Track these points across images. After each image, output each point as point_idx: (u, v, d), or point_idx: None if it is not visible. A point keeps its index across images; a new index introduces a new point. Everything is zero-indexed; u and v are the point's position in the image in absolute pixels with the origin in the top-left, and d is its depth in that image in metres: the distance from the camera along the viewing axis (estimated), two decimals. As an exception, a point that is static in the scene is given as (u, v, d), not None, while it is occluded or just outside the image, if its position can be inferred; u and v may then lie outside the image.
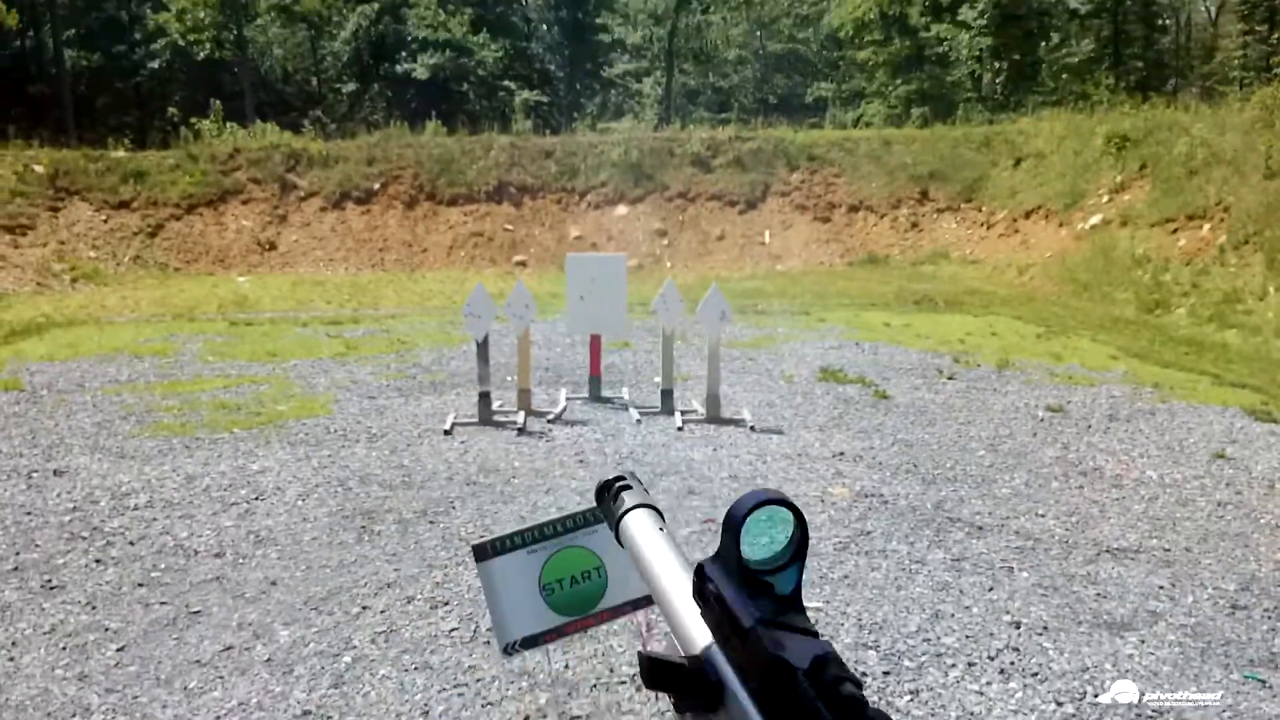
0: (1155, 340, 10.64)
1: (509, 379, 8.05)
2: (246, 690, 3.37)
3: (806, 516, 0.65)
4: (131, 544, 4.72)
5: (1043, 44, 31.98)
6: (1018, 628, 3.86)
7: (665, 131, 23.44)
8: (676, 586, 0.73)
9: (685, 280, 14.78)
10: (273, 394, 8.00)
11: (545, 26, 41.59)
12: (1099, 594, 4.19)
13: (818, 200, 20.30)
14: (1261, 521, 5.11)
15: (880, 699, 3.32)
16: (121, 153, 19.99)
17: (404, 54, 34.30)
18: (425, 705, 3.27)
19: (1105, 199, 16.21)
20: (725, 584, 0.62)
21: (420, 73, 33.20)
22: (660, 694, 0.64)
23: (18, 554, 4.60)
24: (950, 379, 8.61)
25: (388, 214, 19.69)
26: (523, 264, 18.83)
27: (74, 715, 3.23)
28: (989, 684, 3.43)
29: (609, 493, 0.90)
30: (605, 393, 7.91)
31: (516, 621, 0.97)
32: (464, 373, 8.66)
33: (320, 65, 37.49)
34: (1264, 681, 3.46)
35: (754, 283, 16.29)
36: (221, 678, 3.46)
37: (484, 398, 7.05)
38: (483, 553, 0.97)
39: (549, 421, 7.12)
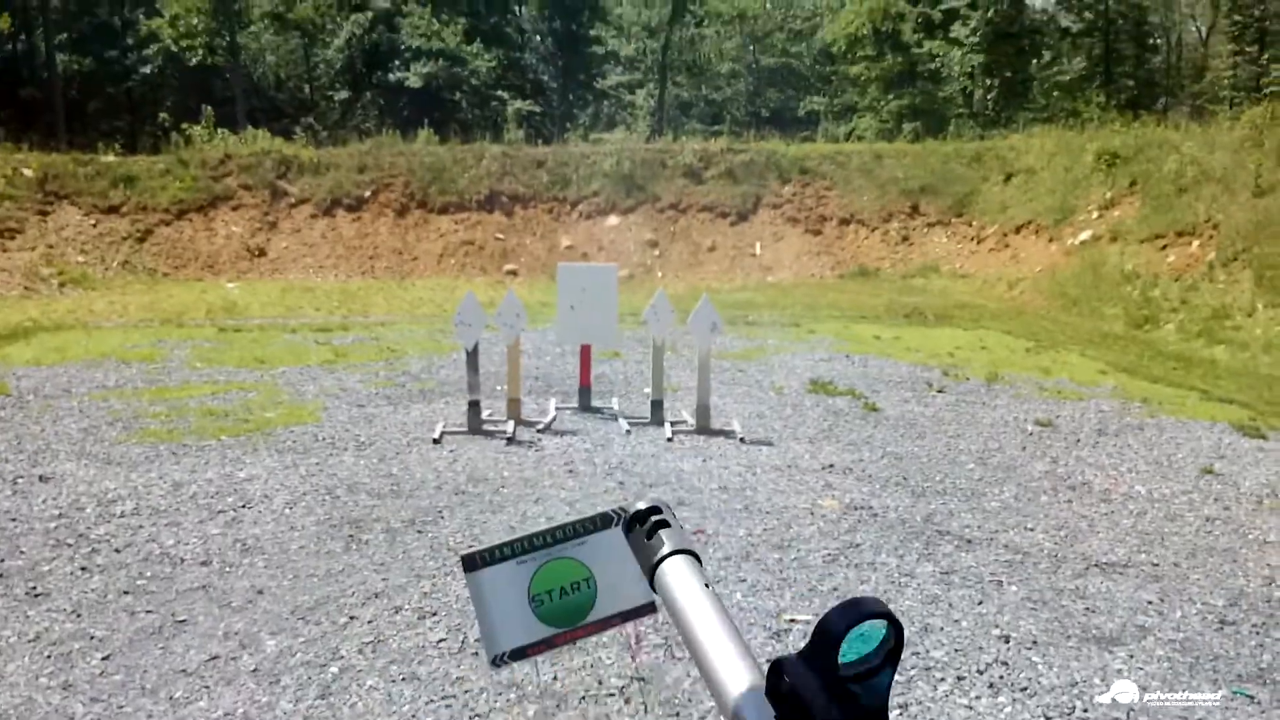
0: (1144, 355, 10.68)
1: (499, 388, 8.03)
2: (233, 700, 3.34)
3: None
4: (117, 551, 4.69)
5: (1034, 61, 32.20)
6: (1007, 641, 3.85)
7: (657, 143, 23.51)
8: (727, 661, 0.69)
9: (676, 291, 14.79)
10: (261, 401, 7.96)
11: (539, 37, 41.70)
12: (1088, 608, 4.19)
13: (809, 213, 20.36)
14: (1249, 537, 5.12)
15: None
16: (112, 157, 19.93)
17: (397, 63, 34.34)
18: (413, 716, 3.25)
19: (1095, 215, 16.29)
20: (808, 688, 0.60)
21: (413, 81, 33.22)
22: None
23: (2, 561, 4.56)
24: (940, 392, 8.63)
25: (378, 221, 19.66)
26: (513, 273, 18.82)
27: (56, 724, 3.19)
28: (978, 698, 3.42)
29: (641, 526, 0.86)
30: (595, 403, 7.91)
31: (505, 633, 0.95)
32: (453, 381, 8.64)
33: (313, 73, 37.49)
34: (1252, 697, 3.47)
35: (745, 294, 16.32)
36: (207, 687, 3.43)
37: (473, 406, 7.03)
38: (472, 563, 0.96)
39: (538, 431, 7.11)
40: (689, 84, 42.42)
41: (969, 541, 4.98)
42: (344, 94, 36.82)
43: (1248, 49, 30.27)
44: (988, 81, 30.76)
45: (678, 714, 3.24)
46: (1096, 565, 4.69)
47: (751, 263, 19.45)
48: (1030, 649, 3.80)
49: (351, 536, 4.93)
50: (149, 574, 4.43)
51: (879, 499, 5.64)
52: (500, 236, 19.72)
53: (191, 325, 12.32)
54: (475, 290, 9.10)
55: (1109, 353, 10.79)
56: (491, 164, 20.71)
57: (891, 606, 2.91)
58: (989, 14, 29.64)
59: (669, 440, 6.88)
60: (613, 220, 20.12)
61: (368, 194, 19.95)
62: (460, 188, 20.21)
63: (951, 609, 4.15)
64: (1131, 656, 3.74)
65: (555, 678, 3.48)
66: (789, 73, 43.53)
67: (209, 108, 23.04)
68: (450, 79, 33.96)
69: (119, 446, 6.53)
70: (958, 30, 30.70)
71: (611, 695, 3.38)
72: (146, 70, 34.82)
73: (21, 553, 4.66)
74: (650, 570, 0.82)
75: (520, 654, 0.98)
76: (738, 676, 0.66)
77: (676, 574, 0.80)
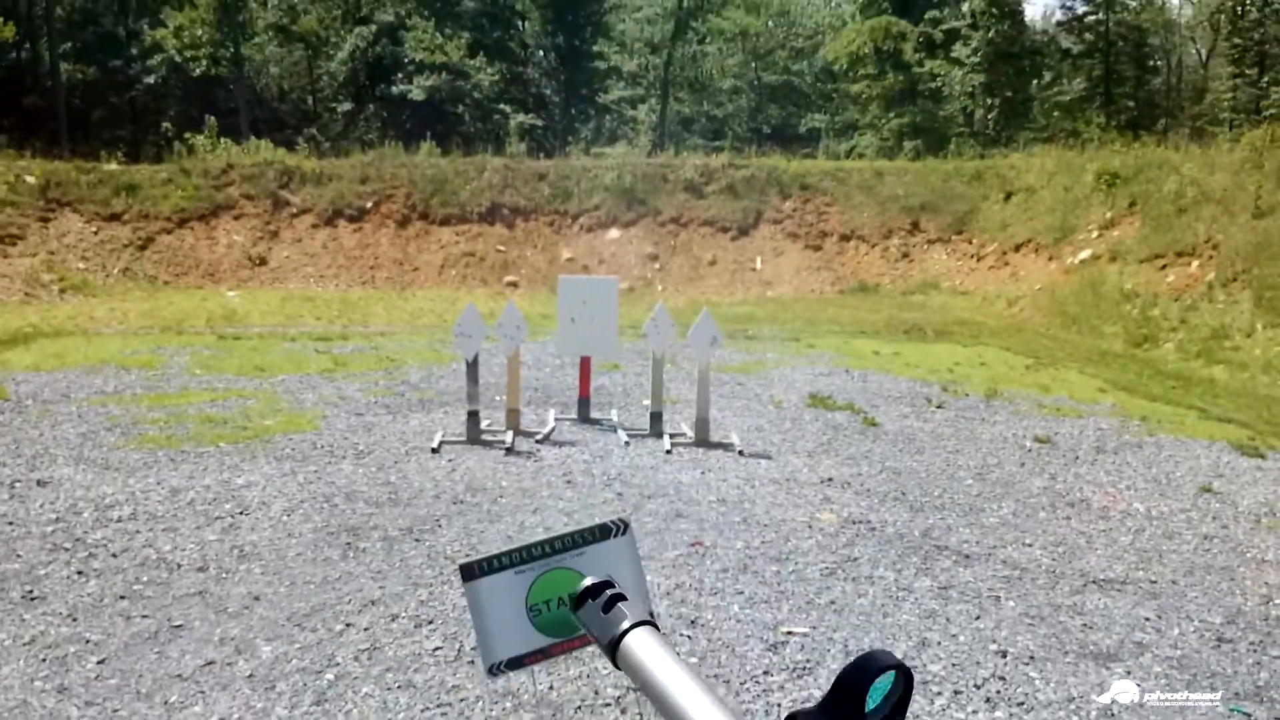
0: (1143, 374, 10.69)
1: (498, 398, 8.03)
2: (228, 706, 3.33)
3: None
4: (114, 556, 4.68)
5: (1035, 82, 32.34)
6: (1004, 657, 3.85)
7: (659, 157, 23.58)
8: None
9: (676, 304, 14.81)
10: (260, 409, 7.96)
11: (542, 52, 41.86)
12: (1085, 624, 4.18)
13: (809, 228, 20.41)
14: (1247, 556, 5.12)
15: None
16: (114, 165, 19.96)
17: (400, 75, 34.46)
18: (408, 723, 3.24)
19: (1095, 234, 16.34)
20: None
21: (416, 94, 33.34)
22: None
23: (-2, 564, 4.55)
24: (939, 408, 8.63)
25: (380, 232, 19.70)
26: (514, 285, 18.84)
27: (51, 727, 3.19)
28: (975, 713, 3.41)
29: (594, 599, 0.85)
30: (594, 414, 7.91)
31: (502, 642, 0.95)
32: (452, 391, 8.65)
33: (316, 84, 37.60)
34: (1249, 715, 3.46)
35: (744, 308, 16.34)
36: (203, 693, 3.42)
37: (473, 416, 7.03)
38: (470, 572, 0.96)
39: (537, 442, 7.11)
40: (691, 100, 42.58)
41: (967, 557, 4.97)
42: (347, 106, 36.94)
43: (1248, 71, 30.44)
44: (988, 101, 30.89)
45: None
46: (1094, 582, 4.69)
47: (752, 277, 19.49)
48: (1027, 664, 3.79)
49: (349, 544, 4.92)
50: (145, 579, 4.42)
51: (877, 513, 5.64)
52: (501, 248, 19.76)
53: (191, 332, 12.32)
54: (476, 301, 9.12)
55: (1108, 371, 10.80)
56: (493, 176, 20.76)
57: (888, 620, 2.91)
58: (990, 34, 29.80)
59: (668, 452, 6.88)
60: (613, 234, 20.16)
61: (369, 205, 19.99)
62: (462, 200, 20.26)
63: (949, 624, 4.14)
64: (1129, 673, 3.73)
65: (551, 688, 3.47)
66: (790, 90, 43.70)
67: (212, 118, 23.11)
68: (453, 92, 34.07)
69: (117, 452, 6.53)
70: (959, 50, 30.86)
71: (607, 705, 3.37)
72: (150, 80, 34.93)
73: (18, 556, 4.65)
74: (611, 646, 0.81)
75: (517, 663, 0.97)
76: None
77: (645, 648, 0.78)
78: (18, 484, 5.78)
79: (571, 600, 0.89)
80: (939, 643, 3.95)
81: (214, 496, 5.64)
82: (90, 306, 14.79)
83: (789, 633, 3.99)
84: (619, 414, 8.03)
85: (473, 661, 3.65)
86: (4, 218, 17.06)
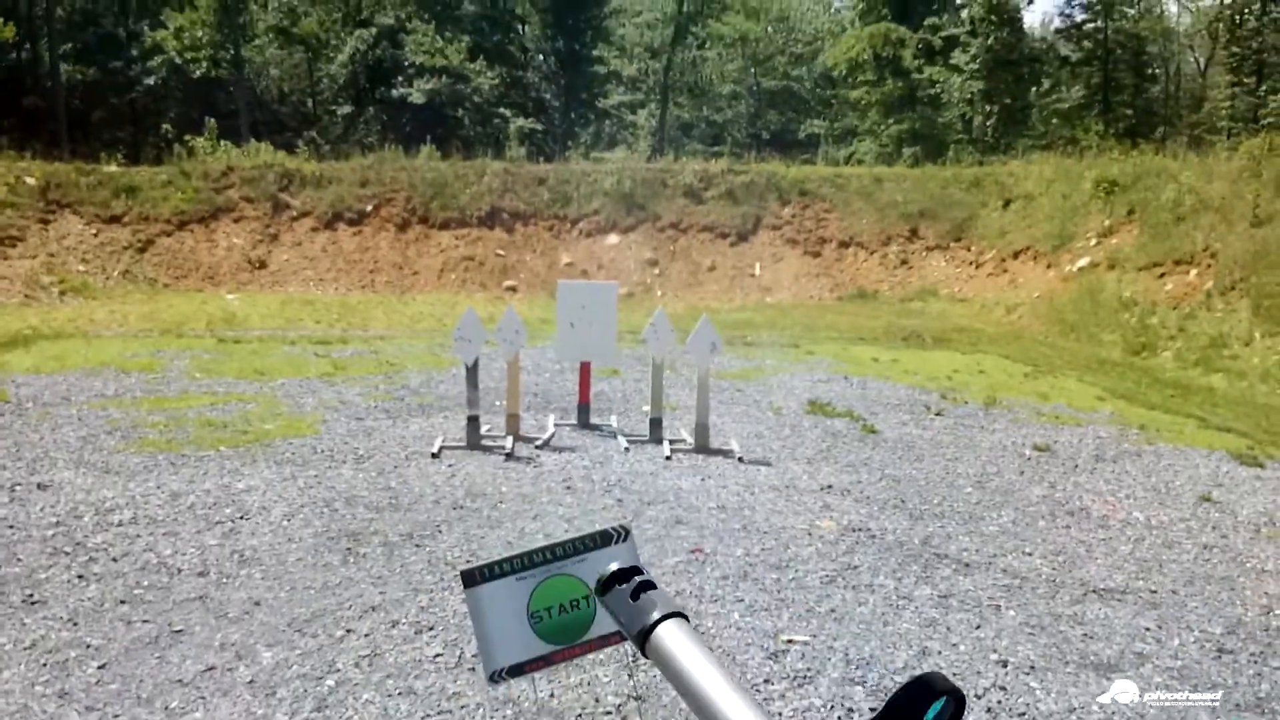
0: (1142, 382, 10.70)
1: (498, 404, 8.03)
2: (228, 712, 3.33)
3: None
4: (114, 560, 4.68)
5: (1033, 89, 32.39)
6: (1005, 666, 3.85)
7: (658, 162, 23.59)
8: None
9: (675, 310, 14.82)
10: (260, 412, 7.96)
11: (542, 56, 41.86)
12: (1086, 634, 4.18)
13: (808, 235, 20.43)
14: (1247, 565, 5.12)
15: (867, 735, 3.31)
16: (114, 167, 19.97)
17: (400, 79, 34.45)
18: (409, 730, 3.24)
19: (1093, 242, 16.36)
20: None
21: (416, 97, 33.34)
22: None
23: (-2, 567, 4.55)
24: (938, 415, 8.64)
25: (379, 236, 19.70)
26: (513, 289, 18.85)
27: (51, 733, 3.18)
28: (976, 722, 3.41)
29: (621, 584, 0.84)
30: (594, 420, 7.91)
31: (503, 649, 0.96)
32: (452, 396, 8.65)
33: (316, 87, 37.62)
34: (1250, 726, 3.46)
35: (743, 314, 16.35)
36: (203, 698, 3.42)
37: (472, 422, 7.03)
38: (471, 579, 0.96)
39: (537, 447, 7.11)
40: (690, 105, 42.67)
41: (967, 565, 4.98)
42: (347, 109, 36.95)
43: (1246, 80, 30.49)
44: (987, 108, 30.93)
45: (675, 733, 3.24)
46: (1094, 591, 4.69)
47: (751, 283, 19.50)
48: (1028, 674, 3.79)
49: (349, 549, 4.92)
50: (146, 583, 4.41)
51: (877, 521, 5.64)
52: (501, 253, 19.77)
53: (191, 336, 12.32)
54: (475, 306, 9.12)
55: (1107, 379, 10.81)
56: (493, 181, 20.77)
57: (889, 629, 2.90)
58: (989, 41, 29.85)
59: (667, 458, 6.89)
60: (613, 239, 20.17)
61: (369, 208, 19.99)
62: (461, 204, 20.27)
63: (949, 633, 4.14)
64: (1129, 683, 3.73)
65: (552, 695, 3.47)
66: (790, 96, 43.81)
67: (212, 120, 23.11)
68: (453, 96, 34.08)
69: (117, 455, 6.53)
70: (958, 57, 30.92)
71: (608, 713, 3.37)
72: (150, 82, 34.90)
73: (19, 560, 4.65)
74: (642, 635, 0.79)
75: (518, 670, 0.97)
76: None
77: (676, 640, 0.77)
78: (18, 487, 5.78)
79: (599, 585, 0.86)
80: (940, 651, 3.96)
81: (214, 501, 5.64)
82: (90, 309, 14.78)
83: (789, 641, 3.99)
84: (619, 420, 8.03)
85: (474, 668, 3.65)
86: (4, 219, 17.05)
